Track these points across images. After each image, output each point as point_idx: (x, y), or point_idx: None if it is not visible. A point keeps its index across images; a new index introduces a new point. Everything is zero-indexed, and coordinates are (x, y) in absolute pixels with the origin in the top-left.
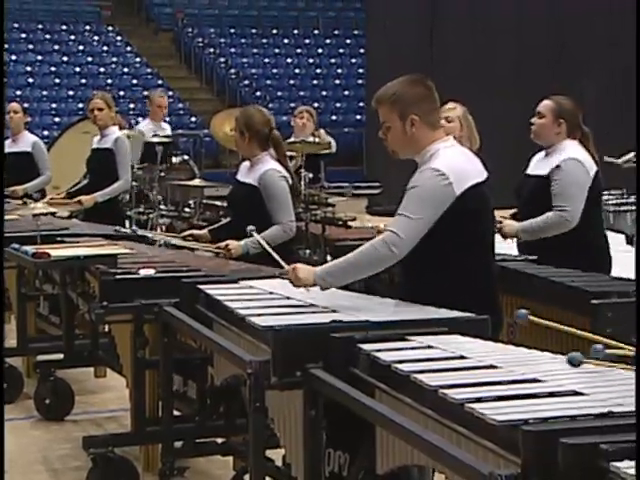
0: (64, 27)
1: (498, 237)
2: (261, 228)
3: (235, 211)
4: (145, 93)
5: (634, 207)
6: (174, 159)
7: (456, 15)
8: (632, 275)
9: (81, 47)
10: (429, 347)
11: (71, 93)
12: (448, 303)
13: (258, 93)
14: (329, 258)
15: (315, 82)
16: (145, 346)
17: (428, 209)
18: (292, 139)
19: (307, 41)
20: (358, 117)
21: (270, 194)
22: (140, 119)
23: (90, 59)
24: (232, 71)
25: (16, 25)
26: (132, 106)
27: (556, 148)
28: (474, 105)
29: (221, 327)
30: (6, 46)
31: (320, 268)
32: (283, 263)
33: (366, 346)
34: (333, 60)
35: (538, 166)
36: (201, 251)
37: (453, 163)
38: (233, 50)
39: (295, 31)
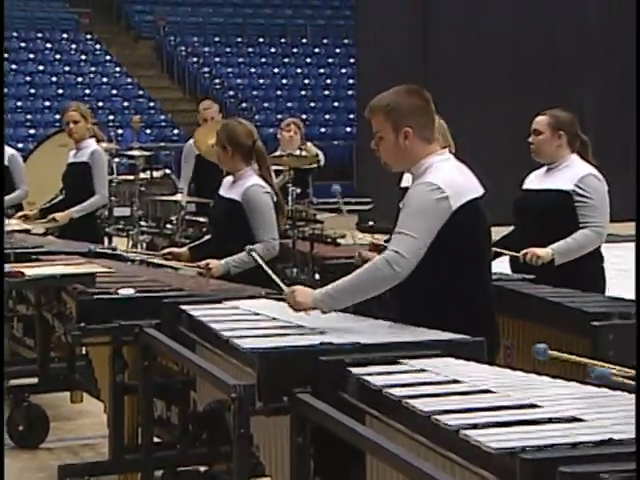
0: (40, 35)
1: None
2: (243, 246)
3: (217, 227)
4: (125, 104)
5: None
6: (155, 173)
7: (449, 23)
8: (629, 294)
9: (58, 56)
10: (422, 371)
11: (47, 104)
12: (442, 324)
13: (244, 104)
14: (317, 277)
15: (303, 93)
16: (124, 369)
17: (426, 225)
18: (279, 152)
19: (295, 50)
20: (348, 129)
21: (253, 210)
22: (120, 130)
23: (67, 68)
24: (216, 81)
25: None
26: (111, 117)
27: (562, 162)
28: (468, 115)
29: (204, 349)
30: None
31: (320, 291)
32: (282, 285)
33: (356, 369)
34: (322, 70)
35: (544, 181)
36: (182, 270)
37: (448, 177)
38: (217, 59)
39: (282, 40)
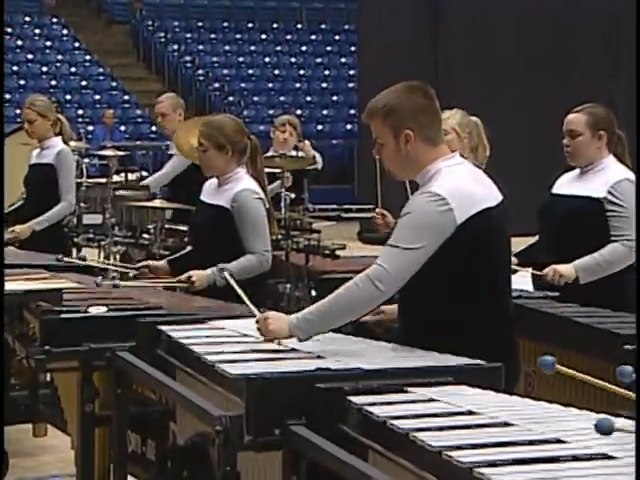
0: None
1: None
2: (230, 258)
3: (200, 238)
4: (96, 97)
5: None
6: (130, 175)
7: (462, 6)
8: None
9: (19, 42)
10: (431, 400)
11: (8, 97)
12: (454, 348)
13: (231, 98)
14: (313, 294)
15: (297, 85)
16: (94, 398)
17: (423, 239)
18: (271, 153)
19: (288, 37)
20: (348, 127)
21: (244, 218)
22: (90, 127)
23: (30, 57)
24: (200, 72)
25: None
26: (81, 112)
27: (598, 165)
28: (484, 108)
29: (185, 376)
30: None
31: (295, 316)
32: (254, 309)
33: (357, 399)
34: (319, 59)
35: (575, 186)
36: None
37: (456, 185)
38: (201, 47)
39: (274, 25)
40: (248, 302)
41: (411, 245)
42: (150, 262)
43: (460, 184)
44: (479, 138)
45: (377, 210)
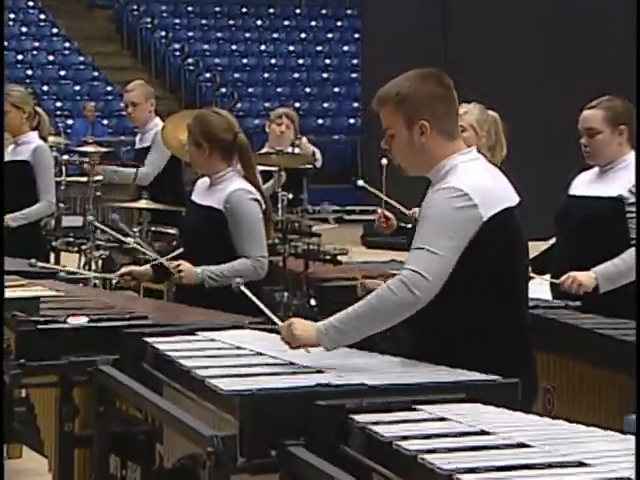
0: None
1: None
2: (223, 263)
3: (190, 242)
4: (77, 88)
5: None
6: None
7: None
8: None
9: None
10: (442, 419)
11: None
12: (467, 362)
13: (223, 90)
14: (313, 303)
15: (296, 76)
16: (74, 417)
17: (453, 238)
18: (266, 149)
19: (286, 23)
20: (351, 121)
21: (238, 221)
22: (70, 121)
23: (4, 44)
24: (190, 61)
25: None
26: (59, 105)
27: (619, 163)
28: (496, 102)
29: (174, 392)
30: None
31: (323, 323)
32: (275, 319)
33: (361, 417)
34: (319, 48)
35: (595, 186)
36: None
37: (476, 181)
38: (191, 34)
39: (270, 10)
40: (268, 312)
41: (443, 246)
42: (133, 268)
43: (480, 180)
44: (497, 136)
45: (380, 212)
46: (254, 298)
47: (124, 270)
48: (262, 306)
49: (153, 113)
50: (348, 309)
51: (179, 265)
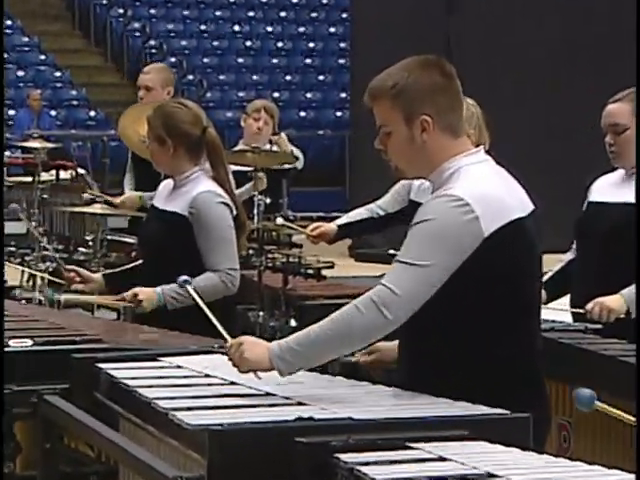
0: None
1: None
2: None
3: (148, 252)
4: (20, 73)
5: None
6: (63, 173)
7: None
8: None
9: None
10: (441, 459)
11: None
12: (470, 393)
13: (190, 77)
14: (293, 324)
15: (275, 61)
16: (16, 455)
17: (441, 253)
18: (240, 146)
19: (263, 0)
20: (338, 114)
21: (205, 227)
22: (12, 112)
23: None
24: (151, 43)
25: None
26: None
27: None
28: (501, 93)
29: (131, 427)
30: None
31: (277, 344)
32: (225, 333)
33: (348, 457)
34: (302, 29)
35: (621, 191)
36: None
37: (482, 188)
38: (153, 12)
39: None
40: (216, 323)
41: (426, 261)
42: (82, 270)
43: (486, 187)
44: (479, 129)
45: (310, 228)
46: (204, 306)
47: (71, 267)
48: (211, 316)
49: None
50: (308, 329)
51: (136, 294)
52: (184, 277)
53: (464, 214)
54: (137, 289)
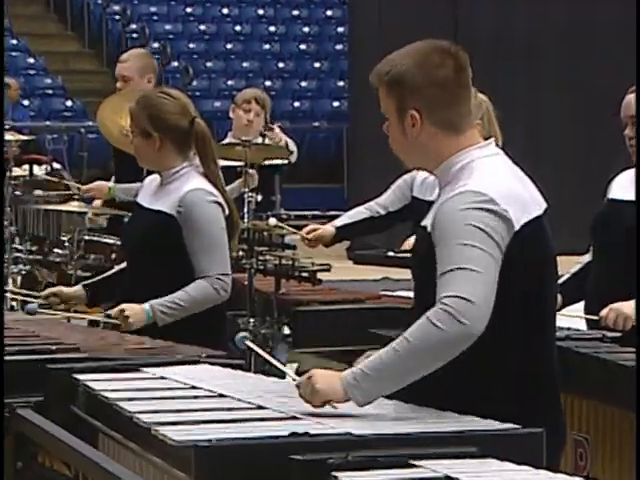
0: None
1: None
2: (175, 283)
3: (132, 255)
4: None
5: None
6: (37, 169)
7: None
8: None
9: None
10: (447, 479)
11: None
12: (479, 407)
13: (174, 63)
14: (286, 332)
15: (267, 47)
16: None
17: (489, 251)
18: (229, 139)
19: None
20: (335, 104)
21: (194, 228)
22: None
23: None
24: (133, 27)
25: None
26: None
27: None
28: (509, 87)
29: (111, 443)
30: None
31: (351, 371)
32: (290, 372)
33: (346, 475)
34: (296, 12)
35: None
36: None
37: (499, 183)
38: None
39: None
40: (277, 363)
41: (480, 261)
42: (61, 289)
43: (505, 182)
44: (491, 124)
45: (306, 230)
46: (260, 351)
47: (50, 290)
48: (270, 359)
49: None
50: (379, 352)
51: (123, 311)
52: (242, 334)
53: (490, 206)
54: (124, 305)
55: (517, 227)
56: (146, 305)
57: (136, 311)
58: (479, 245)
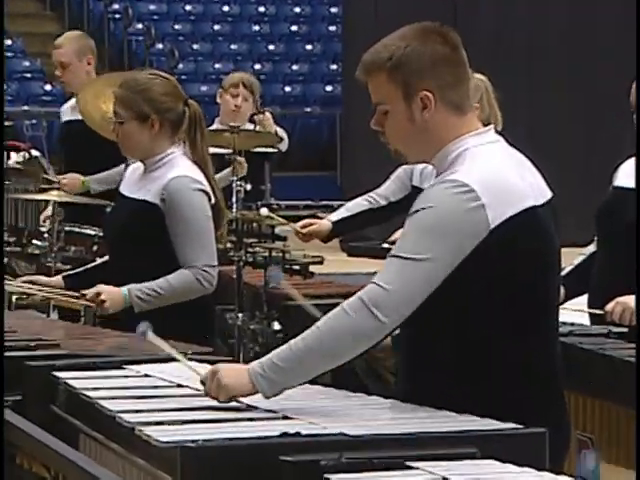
0: None
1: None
2: (158, 274)
3: (114, 245)
4: None
5: None
6: (15, 156)
7: None
8: None
9: None
10: None
11: None
12: (477, 406)
13: (159, 46)
14: (277, 327)
15: (256, 29)
16: None
17: (440, 245)
18: (216, 125)
19: None
20: (328, 88)
21: (178, 217)
22: None
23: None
24: (115, 7)
25: None
26: None
27: None
28: (509, 87)
29: (93, 444)
30: None
31: (260, 362)
32: (194, 367)
33: (340, 478)
34: None
35: None
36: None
37: (490, 173)
38: None
39: None
40: (183, 359)
41: (423, 254)
42: (39, 277)
43: (495, 171)
44: (490, 106)
45: (301, 224)
46: (165, 345)
47: (27, 278)
48: (170, 349)
49: (93, 73)
50: (290, 342)
51: (99, 294)
52: (145, 326)
53: (467, 201)
54: (101, 287)
55: (496, 223)
56: (124, 289)
57: (113, 294)
58: (430, 235)
